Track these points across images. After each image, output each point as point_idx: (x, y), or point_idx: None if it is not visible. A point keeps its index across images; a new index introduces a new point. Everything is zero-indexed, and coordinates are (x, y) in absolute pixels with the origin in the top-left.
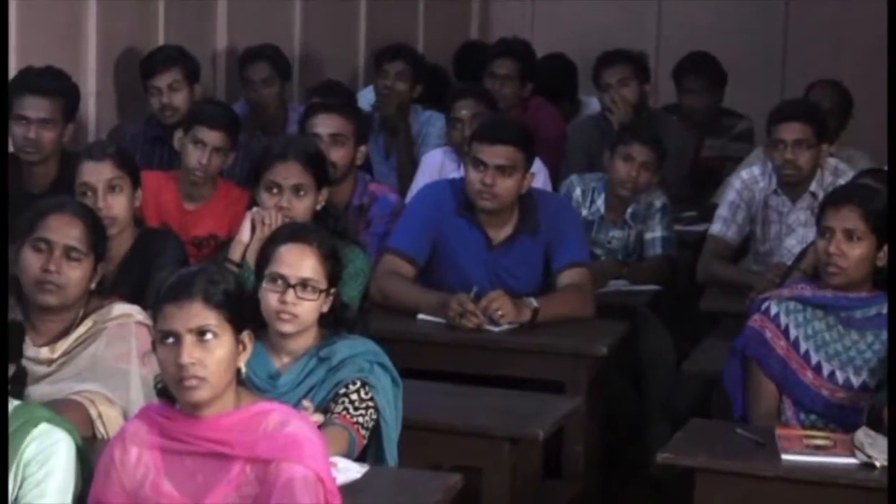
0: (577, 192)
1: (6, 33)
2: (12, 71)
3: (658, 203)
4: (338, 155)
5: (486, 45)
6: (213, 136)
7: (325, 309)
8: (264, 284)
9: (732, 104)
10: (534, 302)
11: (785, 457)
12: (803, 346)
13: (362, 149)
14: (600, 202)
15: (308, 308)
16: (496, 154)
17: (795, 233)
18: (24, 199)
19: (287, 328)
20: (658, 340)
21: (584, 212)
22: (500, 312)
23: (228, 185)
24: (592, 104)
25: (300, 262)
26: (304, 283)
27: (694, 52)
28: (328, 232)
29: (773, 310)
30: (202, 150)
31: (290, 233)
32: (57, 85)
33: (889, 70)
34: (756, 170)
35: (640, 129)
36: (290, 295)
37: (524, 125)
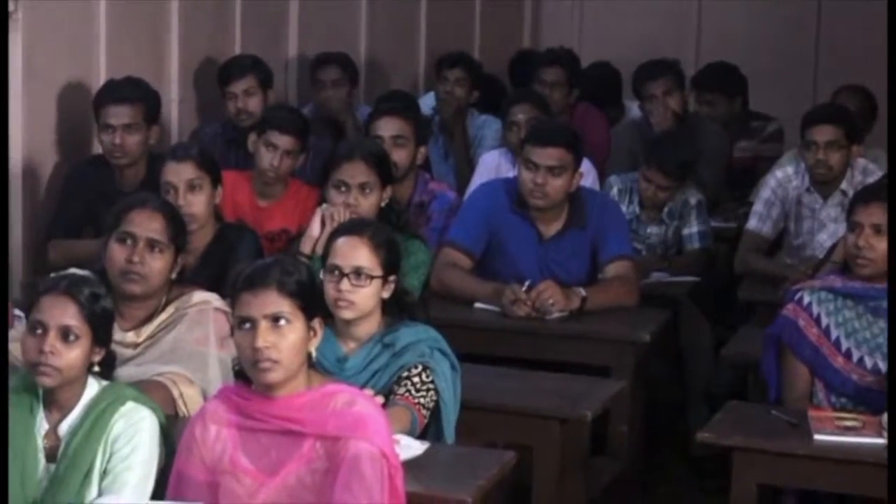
0: (615, 190)
1: (6, 33)
2: (102, 80)
3: (693, 200)
4: (399, 155)
5: (538, 52)
6: (284, 140)
7: (386, 296)
8: (324, 275)
9: (767, 107)
10: (582, 291)
11: (817, 437)
12: (834, 334)
13: (422, 149)
14: (637, 200)
15: (364, 295)
16: (547, 156)
17: (827, 228)
18: (116, 197)
19: (345, 314)
20: (698, 328)
21: (622, 209)
22: (550, 301)
23: (298, 184)
24: (636, 109)
25: (353, 252)
26: (357, 272)
27: (710, 64)
28: (391, 226)
29: (806, 300)
30: (274, 152)
31: (346, 227)
32: (136, 92)
33: (889, 70)
34: (790, 169)
35: (667, 150)
36: (345, 283)
37: (573, 128)
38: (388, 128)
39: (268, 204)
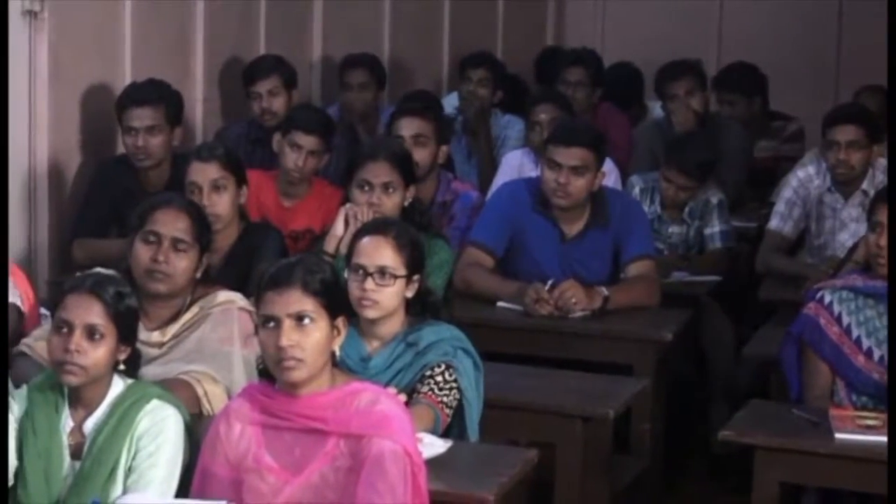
0: (636, 190)
1: (6, 35)
2: (128, 80)
3: (714, 199)
4: (420, 155)
5: (564, 50)
6: (308, 140)
7: (410, 295)
8: (348, 275)
9: (788, 107)
10: (604, 290)
11: (838, 435)
12: (855, 333)
13: (444, 148)
14: (658, 200)
15: (387, 294)
16: (570, 156)
17: (848, 228)
18: (141, 197)
19: (369, 314)
20: (719, 327)
21: (644, 208)
22: (573, 300)
23: (322, 184)
24: (658, 109)
25: (377, 251)
26: (381, 271)
27: (730, 65)
28: (415, 226)
29: (827, 299)
30: (298, 152)
31: (370, 227)
32: (157, 93)
33: (889, 71)
34: (811, 169)
35: (686, 151)
36: (370, 283)
37: (596, 128)
38: (408, 127)
39: (292, 203)
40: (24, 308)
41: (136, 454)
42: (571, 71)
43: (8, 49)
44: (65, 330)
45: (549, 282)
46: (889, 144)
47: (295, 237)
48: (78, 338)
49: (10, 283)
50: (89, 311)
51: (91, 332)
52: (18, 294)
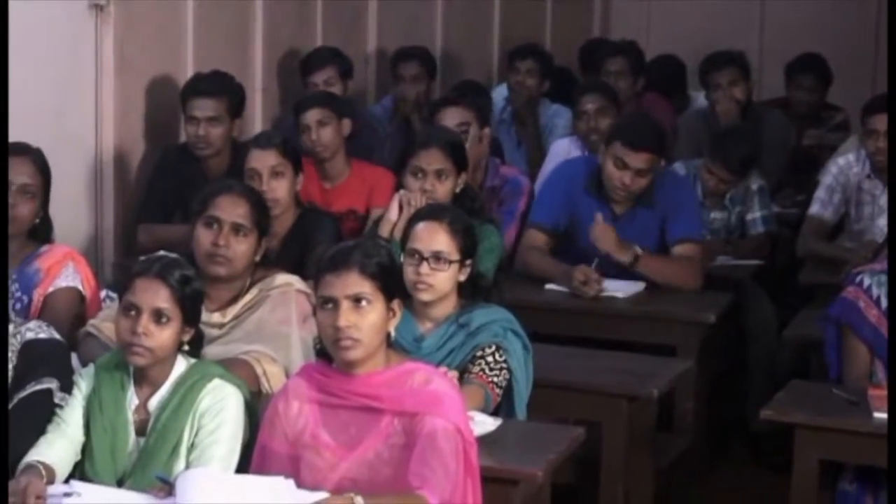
0: None
1: (6, 34)
2: (191, 71)
3: (755, 186)
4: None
5: (607, 41)
6: (311, 115)
7: (462, 278)
8: (403, 259)
9: (828, 97)
10: (638, 249)
11: (876, 415)
12: None
13: (486, 130)
14: (700, 187)
15: (442, 278)
16: (638, 160)
17: (886, 213)
18: (202, 183)
19: (424, 297)
20: (761, 309)
21: None
22: (599, 244)
23: (361, 164)
24: (700, 99)
25: (432, 237)
26: (436, 256)
27: (808, 53)
28: (466, 211)
29: (866, 282)
30: (308, 131)
31: (425, 213)
32: (220, 86)
33: (889, 70)
34: (851, 156)
35: (731, 147)
36: (425, 267)
37: (659, 125)
38: (451, 117)
39: (333, 186)
40: (86, 292)
41: (198, 431)
42: (613, 61)
43: (8, 46)
44: (133, 313)
45: (595, 261)
46: (889, 144)
47: (339, 218)
48: (145, 321)
49: (71, 268)
50: (156, 296)
51: (158, 316)
52: (80, 279)
